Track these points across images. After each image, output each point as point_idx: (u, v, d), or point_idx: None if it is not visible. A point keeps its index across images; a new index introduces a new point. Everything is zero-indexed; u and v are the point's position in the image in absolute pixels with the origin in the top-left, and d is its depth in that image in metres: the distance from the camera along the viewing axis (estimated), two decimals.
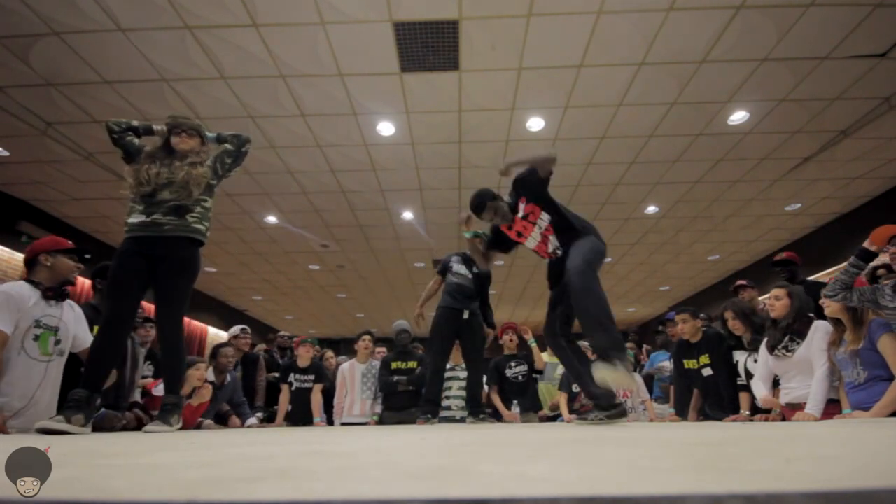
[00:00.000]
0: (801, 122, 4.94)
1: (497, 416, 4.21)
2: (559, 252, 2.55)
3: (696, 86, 4.41)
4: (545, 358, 4.69)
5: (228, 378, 3.98)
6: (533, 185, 2.59)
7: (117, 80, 4.24)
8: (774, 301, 2.87)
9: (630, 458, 0.73)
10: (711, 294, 10.42)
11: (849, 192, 6.38)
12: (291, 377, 4.55)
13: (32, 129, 4.82)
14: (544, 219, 2.57)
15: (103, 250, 7.33)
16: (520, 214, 2.64)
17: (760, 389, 2.92)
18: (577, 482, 0.49)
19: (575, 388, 4.22)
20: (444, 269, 4.01)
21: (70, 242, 2.52)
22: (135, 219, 2.37)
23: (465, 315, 3.81)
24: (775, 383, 2.99)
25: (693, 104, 4.68)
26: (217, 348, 4.03)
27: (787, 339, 2.80)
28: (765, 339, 2.96)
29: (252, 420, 4.08)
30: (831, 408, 2.66)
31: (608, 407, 2.31)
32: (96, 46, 3.85)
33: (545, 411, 4.52)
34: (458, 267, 3.95)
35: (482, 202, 2.69)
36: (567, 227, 2.52)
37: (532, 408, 4.29)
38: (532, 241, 2.68)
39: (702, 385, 3.60)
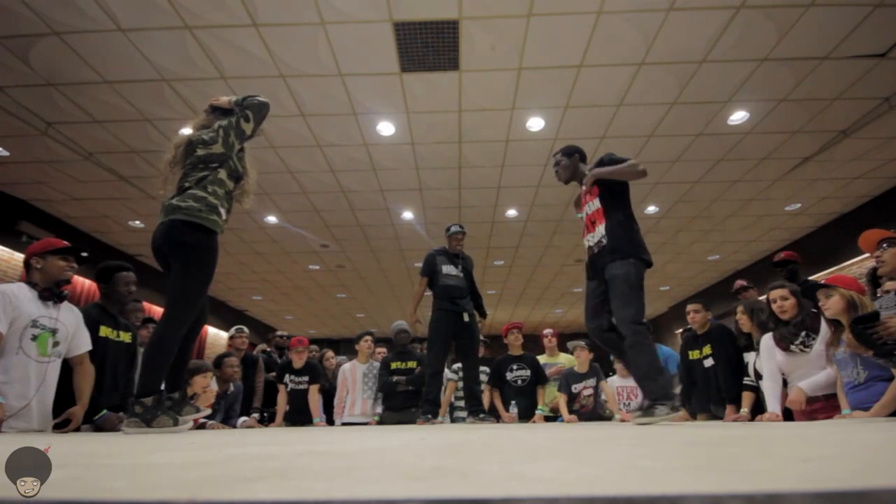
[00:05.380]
0: (801, 122, 4.94)
1: (496, 416, 4.21)
2: (595, 250, 2.71)
3: (696, 86, 4.41)
4: (543, 360, 4.69)
5: (232, 388, 3.96)
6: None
7: (117, 80, 4.24)
8: (782, 302, 2.85)
9: (630, 457, 0.73)
10: (711, 294, 10.41)
11: (849, 192, 6.38)
12: (287, 378, 4.55)
13: (32, 129, 4.82)
14: (596, 204, 2.68)
15: (103, 250, 7.34)
16: (584, 188, 2.77)
17: (772, 402, 2.87)
18: (577, 482, 0.49)
19: (574, 388, 4.22)
20: (431, 272, 3.97)
21: (65, 242, 2.47)
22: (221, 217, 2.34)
23: (465, 318, 3.83)
24: (783, 382, 2.95)
25: (693, 104, 4.68)
26: (221, 358, 3.95)
27: (803, 335, 2.77)
28: (769, 334, 2.93)
29: (244, 419, 4.08)
30: (831, 407, 2.66)
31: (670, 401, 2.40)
32: (96, 46, 3.85)
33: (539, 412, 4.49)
34: (447, 268, 3.95)
35: (558, 156, 2.93)
36: (615, 236, 2.63)
37: (528, 411, 4.22)
38: (584, 213, 2.84)
39: (703, 376, 3.62)
